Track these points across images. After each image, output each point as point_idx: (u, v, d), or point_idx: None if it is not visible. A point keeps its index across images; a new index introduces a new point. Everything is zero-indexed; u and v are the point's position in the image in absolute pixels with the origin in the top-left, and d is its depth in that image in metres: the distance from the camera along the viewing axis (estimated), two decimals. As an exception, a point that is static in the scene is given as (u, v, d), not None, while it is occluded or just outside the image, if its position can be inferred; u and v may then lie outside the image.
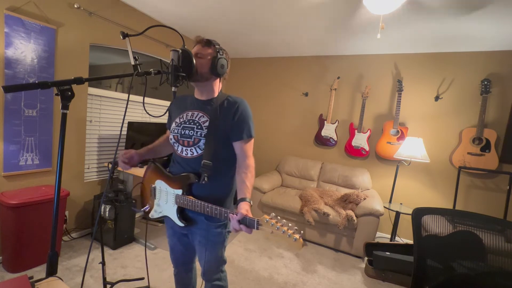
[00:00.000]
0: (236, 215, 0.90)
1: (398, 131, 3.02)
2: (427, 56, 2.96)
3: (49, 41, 2.00)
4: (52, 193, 1.93)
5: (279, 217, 0.85)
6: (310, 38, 2.94)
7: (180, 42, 1.06)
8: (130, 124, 2.50)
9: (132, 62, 0.97)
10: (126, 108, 0.93)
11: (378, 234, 3.18)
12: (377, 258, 2.22)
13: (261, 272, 2.20)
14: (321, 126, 3.50)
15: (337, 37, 2.80)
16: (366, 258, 2.39)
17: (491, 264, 1.07)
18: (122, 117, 2.35)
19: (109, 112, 2.58)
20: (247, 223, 0.89)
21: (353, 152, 3.30)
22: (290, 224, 0.84)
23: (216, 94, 1.15)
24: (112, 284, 1.68)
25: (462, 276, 1.11)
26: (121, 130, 0.97)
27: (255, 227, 0.87)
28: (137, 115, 2.92)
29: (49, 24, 1.98)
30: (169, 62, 1.01)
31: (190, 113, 1.14)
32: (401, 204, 2.93)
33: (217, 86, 1.16)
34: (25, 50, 1.88)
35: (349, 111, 3.40)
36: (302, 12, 2.27)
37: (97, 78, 0.94)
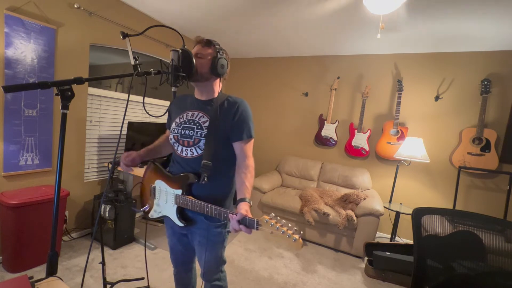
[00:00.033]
0: (236, 215, 0.90)
1: (398, 131, 3.02)
2: (427, 56, 2.96)
3: (49, 41, 2.00)
4: (52, 193, 1.93)
5: (278, 218, 0.85)
6: (310, 38, 2.94)
7: (180, 42, 1.06)
8: (130, 124, 2.50)
9: (132, 62, 0.97)
10: (126, 108, 0.93)
11: (378, 234, 3.18)
12: (377, 258, 2.22)
13: (261, 272, 2.20)
14: (321, 126, 3.50)
15: (337, 37, 2.80)
16: (366, 258, 2.39)
17: (491, 264, 1.07)
18: (122, 117, 2.35)
19: (109, 112, 2.58)
20: (247, 224, 0.89)
21: (353, 152, 3.30)
22: (289, 225, 0.84)
23: (216, 94, 1.15)
24: (112, 284, 1.68)
25: (462, 276, 1.11)
26: (121, 130, 0.97)
27: (255, 228, 0.87)
28: (137, 115, 2.92)
29: (49, 24, 1.98)
30: (169, 62, 1.01)
31: (190, 113, 1.14)
32: (401, 204, 2.93)
33: (217, 86, 1.16)
34: (25, 50, 1.88)
35: (349, 111, 3.40)
36: (302, 12, 2.27)
37: (97, 78, 0.94)
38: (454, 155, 2.78)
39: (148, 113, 1.06)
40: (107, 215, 2.19)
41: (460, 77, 2.83)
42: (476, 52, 2.75)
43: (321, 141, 3.50)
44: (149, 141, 1.34)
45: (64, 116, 0.78)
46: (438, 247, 1.17)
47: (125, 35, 0.95)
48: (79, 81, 0.80)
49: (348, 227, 2.56)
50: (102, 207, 2.18)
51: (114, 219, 2.23)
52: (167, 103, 3.23)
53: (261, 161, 3.91)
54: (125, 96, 2.66)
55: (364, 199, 2.71)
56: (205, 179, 1.05)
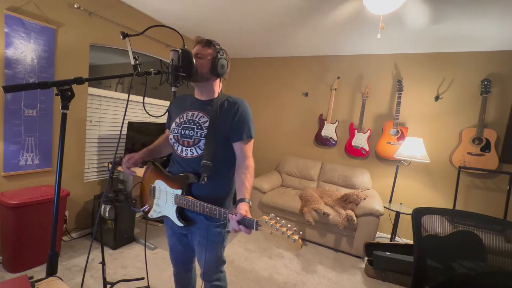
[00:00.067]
0: (235, 215, 0.90)
1: (398, 131, 3.02)
2: (427, 56, 2.96)
3: (49, 41, 2.00)
4: (52, 193, 1.93)
5: (278, 218, 0.85)
6: (310, 38, 2.94)
7: (180, 42, 1.06)
8: (130, 124, 2.50)
9: (132, 62, 0.97)
10: (126, 108, 0.93)
11: (378, 234, 3.18)
12: (377, 258, 2.22)
13: (261, 272, 2.20)
14: (321, 126, 3.50)
15: (337, 37, 2.80)
16: (366, 258, 2.39)
17: (491, 264, 1.07)
18: (122, 117, 2.35)
19: (109, 112, 2.58)
20: (246, 224, 0.89)
21: (353, 152, 3.30)
22: (289, 225, 0.84)
23: (216, 95, 1.15)
24: (112, 284, 1.68)
25: (462, 276, 1.11)
26: (121, 130, 0.97)
27: (254, 228, 0.87)
28: (137, 115, 2.92)
29: (49, 24, 1.98)
30: (169, 62, 1.01)
31: (190, 113, 1.14)
32: (401, 204, 2.93)
33: (217, 86, 1.16)
34: (25, 50, 1.88)
35: (349, 111, 3.40)
36: (302, 12, 2.27)
37: (97, 78, 0.95)
38: (454, 155, 2.78)
39: (148, 113, 1.06)
40: (107, 215, 2.19)
41: (460, 77, 2.83)
42: (476, 52, 2.75)
43: (321, 141, 3.50)
44: (149, 141, 1.34)
45: (64, 116, 0.78)
46: (438, 247, 1.17)
47: (125, 35, 0.95)
48: (79, 81, 0.80)
49: (348, 227, 2.56)
50: (102, 207, 2.18)
51: (114, 219, 2.23)
52: (167, 103, 3.23)
53: (261, 161, 3.91)
54: (125, 96, 2.66)
55: (364, 199, 2.71)
56: (205, 179, 1.05)
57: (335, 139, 3.43)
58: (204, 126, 1.09)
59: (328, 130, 3.45)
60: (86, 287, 1.78)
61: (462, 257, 1.14)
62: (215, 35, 3.07)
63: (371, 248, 2.32)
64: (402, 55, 3.08)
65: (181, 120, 1.15)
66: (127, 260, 2.14)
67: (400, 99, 2.97)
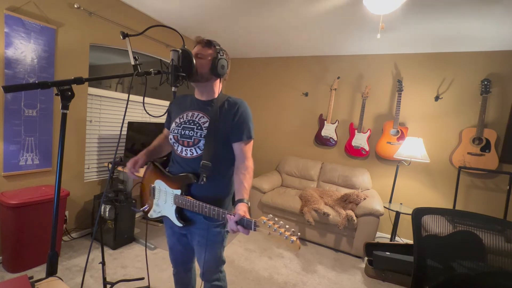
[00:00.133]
0: (234, 216, 0.90)
1: (398, 131, 3.02)
2: (427, 56, 2.96)
3: (49, 41, 2.00)
4: (52, 193, 1.93)
5: (276, 219, 0.85)
6: (310, 38, 2.94)
7: (180, 42, 1.06)
8: (130, 124, 2.50)
9: (132, 62, 0.97)
10: (126, 108, 0.93)
11: (378, 234, 3.18)
12: (377, 258, 2.22)
13: (261, 272, 2.20)
14: (321, 126, 3.50)
15: (337, 37, 2.80)
16: (366, 258, 2.39)
17: (491, 264, 1.07)
18: (122, 117, 2.35)
19: (109, 112, 2.58)
20: (245, 224, 0.89)
21: (353, 152, 3.30)
22: (287, 226, 0.84)
23: (216, 95, 1.15)
24: (112, 284, 1.68)
25: (462, 276, 1.11)
26: (121, 130, 0.97)
27: (252, 229, 0.87)
28: (137, 115, 2.92)
29: (49, 24, 1.98)
30: (169, 62, 1.01)
31: (190, 114, 1.14)
32: (401, 204, 2.93)
33: (217, 86, 1.16)
34: (25, 50, 1.88)
35: (349, 111, 3.40)
36: (302, 12, 2.27)
37: (97, 78, 0.95)
38: (454, 155, 2.78)
39: (148, 113, 1.06)
40: (107, 215, 2.19)
41: (460, 77, 2.83)
42: (476, 52, 2.75)
43: (321, 141, 3.50)
44: (149, 141, 1.34)
45: (64, 116, 0.78)
46: (438, 247, 1.17)
47: (125, 35, 0.95)
48: (79, 81, 0.80)
49: (348, 227, 2.56)
50: (102, 207, 2.18)
51: (114, 219, 2.23)
52: (167, 103, 3.23)
53: (261, 161, 3.91)
54: (125, 96, 2.66)
55: (364, 199, 2.71)
56: (204, 180, 1.05)
57: (335, 139, 3.43)
58: (204, 127, 1.09)
59: (328, 130, 3.45)
60: (86, 287, 1.79)
61: (462, 257, 1.14)
62: (215, 35, 3.08)
63: (371, 248, 2.32)
64: (402, 55, 3.08)
65: (181, 120, 1.15)
66: (127, 260, 2.14)
67: (400, 99, 2.97)
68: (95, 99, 2.44)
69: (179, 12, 2.58)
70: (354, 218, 2.51)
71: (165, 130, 1.33)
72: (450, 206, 2.78)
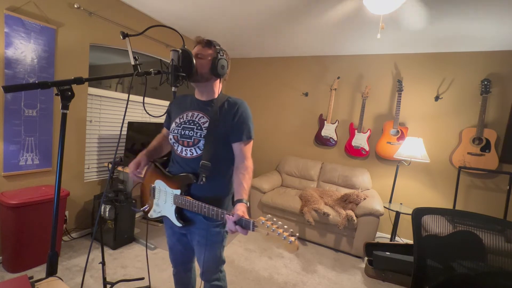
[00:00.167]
0: (232, 216, 0.90)
1: (398, 131, 3.02)
2: (427, 56, 2.96)
3: (49, 41, 2.00)
4: (52, 193, 1.93)
5: (274, 219, 0.85)
6: (310, 38, 2.94)
7: (180, 42, 1.06)
8: (130, 124, 2.50)
9: (132, 62, 0.97)
10: (126, 108, 0.93)
11: (378, 234, 3.18)
12: (377, 258, 2.22)
13: (261, 272, 2.20)
14: (321, 126, 3.50)
15: (337, 37, 2.80)
16: (366, 258, 2.39)
17: (491, 264, 1.07)
18: (122, 117, 2.35)
19: (109, 112, 2.58)
20: (243, 225, 0.88)
21: (353, 152, 3.30)
22: (285, 226, 0.83)
23: (216, 95, 1.15)
24: (112, 284, 1.68)
25: (462, 276, 1.11)
26: (121, 130, 0.97)
27: (251, 229, 0.87)
28: (137, 115, 2.92)
29: (49, 24, 1.98)
30: (169, 62, 1.01)
31: (190, 114, 1.15)
32: (401, 204, 2.93)
33: (217, 86, 1.16)
34: (25, 50, 1.88)
35: (349, 111, 3.40)
36: (302, 12, 2.27)
37: (97, 78, 0.95)
38: (454, 155, 2.78)
39: (148, 113, 1.06)
40: (107, 215, 2.19)
41: (460, 77, 2.83)
42: (476, 52, 2.75)
43: (321, 141, 3.50)
44: (149, 141, 1.34)
45: (64, 116, 0.78)
46: (438, 247, 1.17)
47: (125, 35, 0.95)
48: (79, 81, 0.80)
49: (348, 227, 2.56)
50: (102, 207, 2.18)
51: (114, 219, 2.23)
52: (167, 103, 3.23)
53: (261, 161, 3.91)
54: (125, 96, 2.66)
55: (364, 199, 2.71)
56: (203, 180, 1.05)
57: (335, 139, 3.43)
58: (204, 127, 1.09)
59: (328, 130, 3.45)
60: (86, 287, 1.79)
61: (462, 257, 1.14)
62: (215, 35, 3.08)
63: (371, 248, 2.32)
64: (402, 55, 3.08)
65: (181, 120, 1.15)
66: (127, 260, 2.14)
67: (400, 99, 2.97)
68: (95, 99, 2.44)
69: (179, 12, 2.58)
70: (354, 218, 2.51)
71: (164, 130, 1.33)
72: (450, 206, 2.78)
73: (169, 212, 1.14)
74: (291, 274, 2.22)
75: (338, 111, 3.46)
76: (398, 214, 2.69)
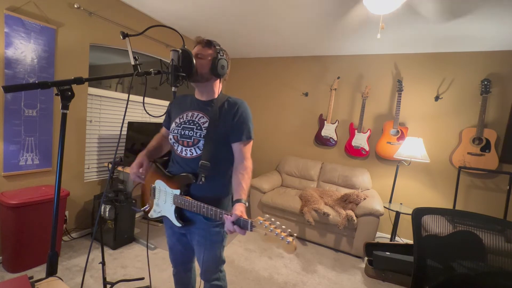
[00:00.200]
0: (231, 216, 0.90)
1: (398, 131, 3.02)
2: (427, 56, 2.96)
3: (49, 41, 2.00)
4: (52, 193, 1.93)
5: (273, 219, 0.84)
6: (310, 38, 2.94)
7: (180, 42, 1.06)
8: (130, 124, 2.50)
9: (132, 62, 0.97)
10: (126, 108, 0.93)
11: (378, 234, 3.18)
12: (377, 258, 2.22)
13: (261, 272, 2.20)
14: (321, 126, 3.50)
15: (337, 37, 2.80)
16: (366, 258, 2.39)
17: (491, 264, 1.07)
18: (122, 117, 2.35)
19: (109, 112, 2.58)
20: (241, 225, 0.88)
21: (353, 152, 3.30)
22: (283, 226, 0.83)
23: (216, 95, 1.16)
24: (112, 284, 1.68)
25: (462, 276, 1.11)
26: (121, 130, 0.97)
27: (249, 229, 0.86)
28: (137, 115, 2.92)
29: (49, 24, 1.98)
30: (169, 62, 1.01)
31: (190, 114, 1.15)
32: (401, 204, 2.93)
33: (217, 86, 1.16)
34: (25, 50, 1.88)
35: (349, 111, 3.40)
36: (302, 12, 2.27)
37: (97, 78, 0.95)
38: (454, 155, 2.78)
39: (148, 113, 1.06)
40: (107, 215, 2.19)
41: (460, 77, 2.83)
42: (476, 52, 2.75)
43: (321, 141, 3.50)
44: (149, 142, 1.33)
45: (64, 116, 0.78)
46: (438, 247, 1.17)
47: (125, 35, 0.95)
48: (79, 81, 0.80)
49: (348, 227, 2.56)
50: (102, 207, 2.18)
51: (114, 219, 2.23)
52: (167, 103, 3.23)
53: (261, 161, 3.91)
54: (125, 96, 2.66)
55: (364, 199, 2.71)
56: (203, 180, 1.05)
57: (335, 139, 3.43)
58: (204, 127, 1.09)
59: (328, 130, 3.45)
60: (86, 287, 1.79)
61: (462, 257, 1.14)
62: (215, 35, 3.08)
63: (371, 248, 2.32)
64: (402, 55, 3.08)
65: (181, 120, 1.15)
66: (127, 260, 2.14)
67: (400, 99, 2.97)
68: (95, 99, 2.44)
69: (179, 12, 2.58)
70: (354, 218, 2.51)
71: (163, 129, 1.33)
72: (450, 206, 2.78)
73: (169, 212, 1.14)
74: (291, 274, 2.22)
75: (338, 111, 3.46)
76: (398, 214, 2.69)
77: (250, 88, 4.05)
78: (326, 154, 3.55)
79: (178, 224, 1.12)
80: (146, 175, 1.27)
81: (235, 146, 1.11)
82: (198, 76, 1.07)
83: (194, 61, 1.03)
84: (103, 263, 1.55)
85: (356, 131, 3.28)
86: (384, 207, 2.65)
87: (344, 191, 3.03)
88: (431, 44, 2.72)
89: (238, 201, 0.98)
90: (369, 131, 3.23)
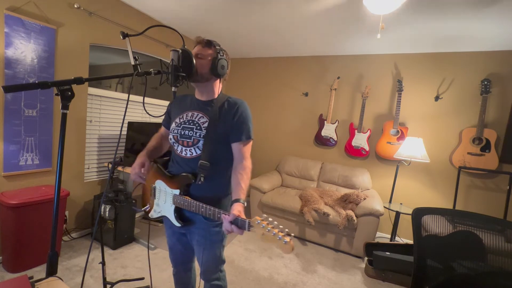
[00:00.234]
0: (229, 215, 0.90)
1: (398, 131, 3.02)
2: (427, 56, 2.96)
3: (49, 41, 2.00)
4: (52, 193, 1.93)
5: (270, 219, 0.84)
6: (310, 38, 2.94)
7: (180, 42, 1.06)
8: (130, 124, 2.50)
9: (132, 62, 0.97)
10: (126, 108, 0.93)
11: (378, 234, 3.18)
12: (377, 258, 2.22)
13: (261, 272, 2.20)
14: (321, 126, 3.50)
15: (337, 37, 2.80)
16: (366, 258, 2.39)
17: (491, 264, 1.07)
18: (122, 117, 2.35)
19: (109, 112, 2.58)
20: (239, 224, 0.88)
21: (353, 152, 3.30)
22: (281, 226, 0.82)
23: (216, 95, 1.16)
24: (112, 284, 1.68)
25: (462, 276, 1.11)
26: (121, 130, 0.97)
27: (246, 229, 0.86)
28: (137, 115, 2.92)
29: (49, 24, 1.98)
30: (169, 62, 1.01)
31: (190, 114, 1.15)
32: (401, 204, 2.93)
33: (217, 86, 1.16)
34: (25, 50, 1.88)
35: (349, 111, 3.40)
36: (302, 12, 2.27)
37: (97, 78, 0.95)
38: (454, 155, 2.78)
39: (148, 113, 1.06)
40: (107, 215, 2.19)
41: (460, 77, 2.83)
42: (476, 52, 2.75)
43: (321, 141, 3.50)
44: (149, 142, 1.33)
45: (64, 116, 0.78)
46: (438, 247, 1.17)
47: (125, 35, 0.95)
48: (79, 81, 0.80)
49: (348, 227, 2.56)
50: (102, 207, 2.18)
51: (114, 219, 2.23)
52: (167, 103, 3.22)
53: (261, 161, 3.91)
54: (125, 96, 2.66)
55: (364, 199, 2.71)
56: (202, 179, 1.05)
57: (335, 139, 3.43)
58: (203, 127, 1.09)
59: (328, 130, 3.45)
60: (86, 287, 1.79)
61: (462, 257, 1.14)
62: (215, 35, 3.08)
63: (371, 248, 2.33)
64: (402, 55, 3.08)
65: (181, 120, 1.15)
66: (127, 260, 2.14)
67: (400, 99, 2.97)
68: (95, 99, 2.44)
69: (179, 12, 2.58)
70: (354, 218, 2.51)
71: (162, 129, 1.33)
72: (450, 206, 2.78)
73: (169, 212, 1.14)
74: (291, 274, 2.22)
75: (338, 111, 3.46)
76: (398, 214, 2.69)
77: (250, 88, 4.05)
78: (326, 154, 3.55)
79: (177, 224, 1.12)
80: (147, 175, 1.27)
81: (235, 146, 1.11)
82: (198, 76, 1.07)
83: (194, 61, 1.03)
84: (103, 263, 1.55)
85: (356, 131, 3.28)
86: (384, 207, 2.65)
87: (344, 191, 3.03)
88: (431, 44, 2.72)
89: (236, 200, 0.98)
90: (369, 131, 3.23)
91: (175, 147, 1.15)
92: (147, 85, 1.02)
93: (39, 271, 1.89)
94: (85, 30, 2.22)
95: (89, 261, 2.03)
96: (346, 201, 2.75)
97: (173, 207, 1.11)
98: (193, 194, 1.10)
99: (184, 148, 1.12)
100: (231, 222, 0.89)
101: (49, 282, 0.77)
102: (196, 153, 1.09)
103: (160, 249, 2.37)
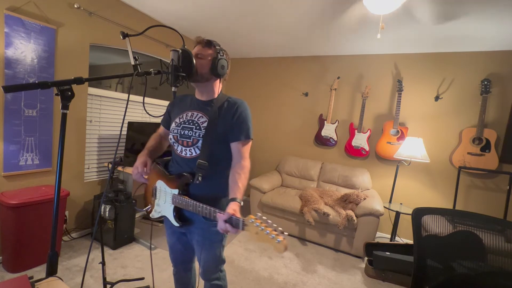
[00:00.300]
0: (223, 214, 0.90)
1: (398, 131, 3.02)
2: (427, 56, 2.96)
3: (49, 41, 2.00)
4: (52, 193, 1.93)
5: (264, 218, 0.84)
6: (310, 38, 2.94)
7: (180, 42, 1.06)
8: (130, 124, 2.50)
9: (132, 62, 0.97)
10: (126, 108, 0.94)
11: (378, 234, 3.18)
12: (377, 258, 2.22)
13: (261, 272, 2.20)
14: (321, 126, 3.50)
15: (337, 37, 2.80)
16: (366, 258, 2.39)
17: (491, 264, 1.07)
18: (122, 117, 2.35)
19: (109, 112, 2.58)
20: (233, 223, 0.88)
21: (353, 152, 3.30)
22: (275, 225, 0.82)
23: (216, 95, 1.16)
24: (112, 284, 1.68)
25: (462, 276, 1.11)
26: (121, 130, 0.97)
27: (240, 228, 0.86)
28: (137, 115, 2.92)
29: (49, 24, 1.98)
30: (169, 62, 1.01)
31: (189, 113, 1.15)
32: (401, 204, 2.93)
33: (217, 86, 1.16)
34: (25, 50, 1.88)
35: (349, 111, 3.40)
36: (302, 12, 2.27)
37: (97, 78, 0.95)
38: (454, 155, 2.78)
39: (148, 113, 1.06)
40: (107, 215, 2.19)
41: (460, 77, 2.83)
42: (476, 52, 2.75)
43: (321, 141, 3.50)
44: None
45: (64, 116, 0.78)
46: (438, 247, 1.17)
47: (125, 35, 0.95)
48: (79, 81, 0.80)
49: (348, 227, 2.56)
50: (102, 207, 2.18)
51: (114, 219, 2.23)
52: (167, 103, 3.21)
53: (261, 161, 3.91)
54: (125, 96, 2.66)
55: (364, 199, 2.71)
56: (199, 179, 1.05)
57: (335, 139, 3.43)
58: (203, 127, 1.09)
59: (328, 130, 3.45)
60: (86, 287, 1.79)
61: (462, 257, 1.14)
62: (215, 35, 3.08)
63: (371, 248, 2.33)
64: (402, 55, 3.08)
65: (181, 120, 1.15)
66: (127, 260, 2.14)
67: (400, 99, 2.97)
68: (95, 99, 2.44)
69: (179, 12, 2.58)
70: (354, 218, 2.51)
71: (161, 129, 1.33)
72: (450, 206, 2.78)
73: (168, 211, 1.14)
74: (291, 274, 2.22)
75: (338, 111, 3.46)
76: (398, 214, 2.69)
77: (250, 88, 4.05)
78: (326, 154, 3.55)
79: (176, 224, 1.12)
80: (149, 175, 1.27)
81: (234, 146, 1.11)
82: (198, 76, 1.07)
83: (194, 61, 1.03)
84: (103, 263, 1.55)
85: (356, 131, 3.28)
86: (384, 207, 2.65)
87: (344, 191, 3.03)
88: (431, 44, 2.72)
89: (233, 200, 0.98)
90: (369, 131, 3.23)
91: (175, 147, 1.15)
92: (147, 85, 1.02)
93: (39, 271, 1.89)
94: (85, 30, 2.22)
95: (89, 261, 2.03)
96: (346, 201, 2.75)
97: (172, 207, 1.12)
98: (192, 194, 1.10)
99: (183, 148, 1.12)
100: (226, 221, 0.88)
101: (49, 282, 0.77)
102: (196, 153, 1.09)
103: (160, 249, 2.37)
